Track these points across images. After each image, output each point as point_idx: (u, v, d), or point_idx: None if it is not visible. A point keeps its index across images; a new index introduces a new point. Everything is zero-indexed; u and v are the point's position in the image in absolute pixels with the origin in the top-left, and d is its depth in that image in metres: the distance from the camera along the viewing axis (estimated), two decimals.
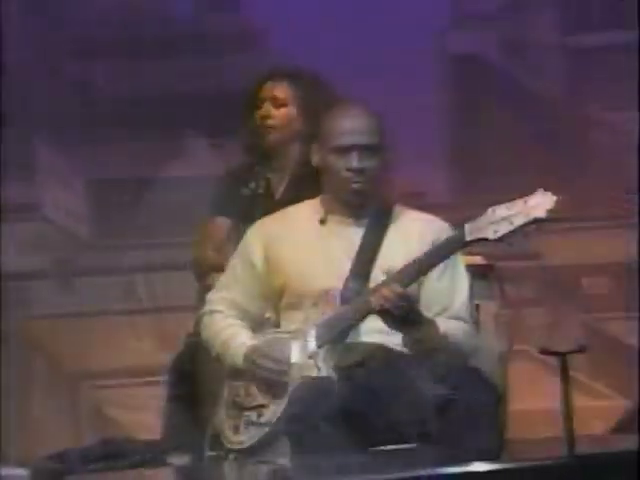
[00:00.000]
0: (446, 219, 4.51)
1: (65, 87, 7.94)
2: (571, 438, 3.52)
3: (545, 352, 4.03)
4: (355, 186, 4.10)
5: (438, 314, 4.03)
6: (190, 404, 5.17)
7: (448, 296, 4.10)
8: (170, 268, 7.30)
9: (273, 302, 4.26)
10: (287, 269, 4.17)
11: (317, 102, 5.19)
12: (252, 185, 5.39)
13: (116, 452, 5.54)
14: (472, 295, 4.22)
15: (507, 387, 4.75)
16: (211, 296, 4.45)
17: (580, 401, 5.71)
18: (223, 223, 5.45)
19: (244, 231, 4.80)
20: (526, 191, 4.00)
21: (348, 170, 4.08)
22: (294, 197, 4.91)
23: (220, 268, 4.94)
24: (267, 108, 5.30)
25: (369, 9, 7.63)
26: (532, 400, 6.78)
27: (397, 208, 4.28)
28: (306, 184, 4.89)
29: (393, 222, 4.21)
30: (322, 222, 4.15)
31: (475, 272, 4.65)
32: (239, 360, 4.13)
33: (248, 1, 8.28)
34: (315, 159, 4.32)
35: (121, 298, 7.72)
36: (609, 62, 7.91)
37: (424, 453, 3.95)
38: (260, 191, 5.36)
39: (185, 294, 5.96)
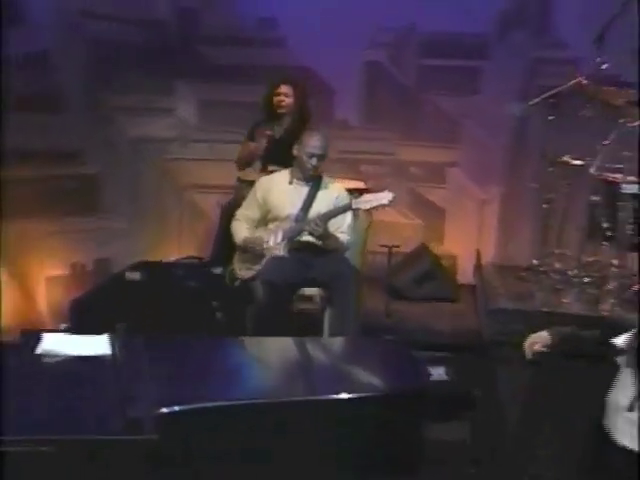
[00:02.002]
0: None
1: None
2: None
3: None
4: (310, 169, 7.12)
5: (335, 231, 7.06)
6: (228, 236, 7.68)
7: (341, 224, 7.07)
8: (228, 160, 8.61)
9: (264, 217, 7.28)
10: (272, 204, 7.23)
11: (303, 97, 8.12)
12: (268, 130, 8.02)
13: None
14: (352, 219, 7.21)
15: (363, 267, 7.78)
16: (238, 211, 7.47)
17: None
18: (252, 145, 8.11)
19: (262, 150, 7.99)
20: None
21: (308, 162, 7.12)
22: (285, 137, 7.84)
23: (246, 167, 8.21)
24: (279, 97, 8.05)
25: None
26: None
27: (326, 179, 7.35)
28: (290, 134, 7.78)
29: (323, 187, 7.25)
30: (290, 183, 7.30)
31: (356, 191, 7.63)
32: (241, 243, 7.23)
33: None
34: (295, 151, 7.24)
35: None
36: None
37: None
38: (268, 132, 7.93)
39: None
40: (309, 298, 7.09)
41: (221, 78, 9.64)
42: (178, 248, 9.27)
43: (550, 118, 8.29)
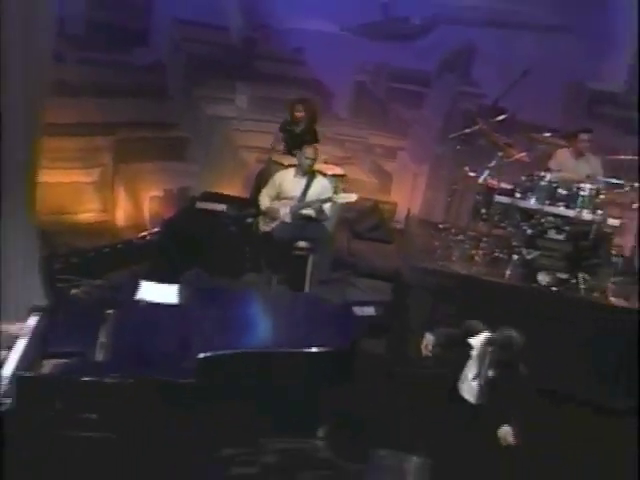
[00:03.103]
0: None
1: None
2: None
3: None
4: (306, 168, 7.36)
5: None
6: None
7: (325, 207, 7.32)
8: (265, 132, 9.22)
9: (278, 196, 7.52)
10: (283, 189, 7.50)
11: (311, 111, 8.53)
12: (291, 129, 8.48)
13: None
14: (330, 205, 7.41)
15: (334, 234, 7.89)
16: (264, 189, 7.63)
17: None
18: (277, 136, 8.65)
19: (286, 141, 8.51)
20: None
21: (305, 164, 7.35)
22: (300, 134, 8.41)
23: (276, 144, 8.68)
24: (297, 112, 8.44)
25: None
26: None
27: (317, 175, 7.56)
28: (303, 132, 8.37)
29: (314, 180, 7.49)
30: (294, 176, 7.55)
31: (336, 176, 8.24)
32: (264, 209, 7.43)
33: None
34: (297, 157, 7.51)
35: None
36: None
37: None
38: (288, 127, 8.51)
39: None
40: (301, 248, 7.45)
41: (264, 82, 9.98)
42: (229, 185, 9.45)
43: (458, 148, 8.62)
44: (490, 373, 4.88)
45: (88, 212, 8.81)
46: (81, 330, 4.71)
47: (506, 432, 4.62)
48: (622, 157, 8.08)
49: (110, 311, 4.95)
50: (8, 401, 4.17)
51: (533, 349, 4.96)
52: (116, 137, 8.98)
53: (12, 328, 4.90)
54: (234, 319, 5.17)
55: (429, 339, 5.11)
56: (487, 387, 4.85)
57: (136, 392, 4.26)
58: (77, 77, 8.12)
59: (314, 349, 4.77)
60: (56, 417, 4.19)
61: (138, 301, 5.13)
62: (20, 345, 4.66)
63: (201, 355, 4.47)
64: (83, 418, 4.19)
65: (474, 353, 4.92)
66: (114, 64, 8.80)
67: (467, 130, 8.26)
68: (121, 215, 9.17)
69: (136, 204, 9.37)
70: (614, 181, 7.79)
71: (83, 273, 7.39)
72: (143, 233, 8.63)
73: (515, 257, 7.75)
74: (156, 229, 8.61)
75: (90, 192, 8.83)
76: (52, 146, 7.22)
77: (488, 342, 4.89)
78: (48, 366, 4.33)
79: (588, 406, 6.51)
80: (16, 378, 4.29)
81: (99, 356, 4.48)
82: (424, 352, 5.10)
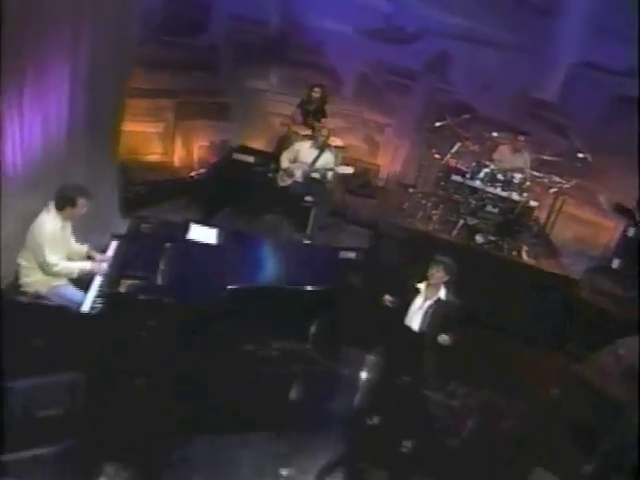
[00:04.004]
0: None
1: None
2: None
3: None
4: (320, 143, 7.19)
5: (325, 174, 7.17)
6: None
7: (328, 173, 7.18)
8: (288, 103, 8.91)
9: (295, 160, 7.34)
10: (300, 155, 7.33)
11: (324, 92, 8.40)
12: (307, 107, 8.45)
13: None
14: (332, 173, 7.25)
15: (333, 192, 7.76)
16: (284, 154, 7.39)
17: None
18: (296, 111, 8.52)
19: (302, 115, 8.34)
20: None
21: (319, 138, 7.19)
22: (315, 110, 8.35)
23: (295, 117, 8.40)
24: (313, 93, 8.30)
25: None
26: None
27: (326, 149, 7.31)
28: (317, 109, 8.32)
29: (324, 152, 7.32)
30: (310, 148, 7.37)
31: (338, 147, 8.09)
32: (283, 168, 7.23)
33: None
34: (312, 133, 7.39)
35: None
36: None
37: None
38: (305, 105, 8.43)
39: None
40: (307, 201, 7.36)
41: (292, 66, 9.72)
42: (258, 141, 9.25)
43: (429, 135, 8.63)
44: (428, 304, 4.94)
45: (154, 154, 8.73)
46: (147, 258, 4.76)
47: (444, 339, 4.77)
48: (545, 157, 8.15)
49: (168, 245, 4.97)
50: (99, 306, 4.46)
51: (468, 290, 5.02)
52: (177, 100, 8.85)
53: (98, 256, 4.96)
54: (254, 260, 5.26)
55: (387, 298, 5.09)
56: (427, 316, 4.92)
57: (184, 310, 4.49)
58: (153, 54, 8.02)
59: (309, 287, 4.99)
60: (129, 322, 4.43)
61: (188, 240, 5.17)
62: (103, 267, 4.85)
63: (230, 287, 4.73)
64: (146, 325, 4.42)
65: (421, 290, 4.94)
66: (181, 45, 8.72)
67: (437, 124, 8.26)
68: (177, 158, 8.99)
69: (188, 150, 9.14)
70: (536, 174, 7.95)
71: (148, 201, 7.62)
72: (192, 173, 8.61)
73: (461, 221, 7.92)
74: (202, 170, 8.63)
75: (156, 140, 8.74)
76: (132, 105, 7.22)
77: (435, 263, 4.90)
78: (124, 285, 4.48)
79: (502, 331, 6.59)
80: (102, 292, 4.56)
81: (159, 280, 4.58)
82: (385, 304, 5.09)
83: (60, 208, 4.44)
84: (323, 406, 5.05)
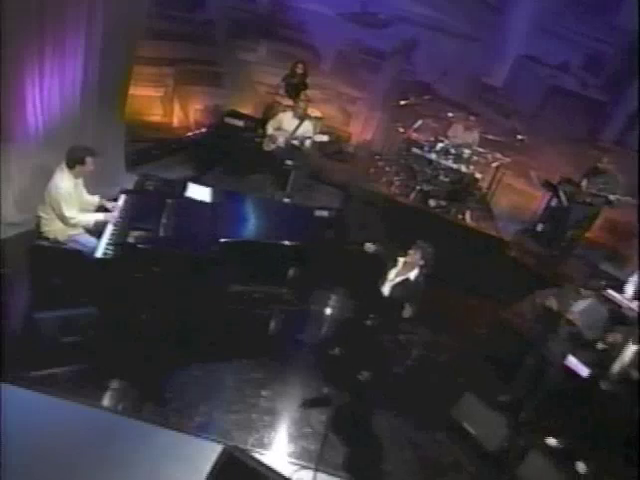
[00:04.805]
0: None
1: None
2: None
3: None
4: (300, 113, 6.75)
5: (304, 141, 6.76)
6: None
7: (306, 138, 6.77)
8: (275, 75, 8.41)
9: (279, 128, 6.98)
10: (282, 124, 6.98)
11: (306, 68, 8.15)
12: (290, 81, 8.16)
13: None
14: (311, 141, 6.84)
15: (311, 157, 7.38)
16: (270, 122, 7.01)
17: None
18: (279, 84, 8.11)
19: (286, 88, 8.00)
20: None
21: (299, 110, 6.81)
22: (297, 83, 8.07)
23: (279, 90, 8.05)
24: (296, 70, 8.09)
25: None
26: None
27: (305, 119, 6.94)
28: (299, 83, 8.04)
29: (304, 122, 6.97)
30: (292, 117, 7.00)
31: (316, 118, 7.83)
32: (269, 134, 6.84)
33: None
34: (293, 105, 7.01)
35: None
36: None
37: None
38: (289, 79, 8.15)
39: None
40: (288, 165, 7.05)
41: (278, 41, 9.40)
42: (246, 107, 8.98)
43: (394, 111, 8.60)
44: (399, 279, 4.86)
45: (155, 115, 8.50)
46: (151, 213, 4.71)
47: (407, 311, 4.80)
48: (490, 137, 8.17)
49: (169, 201, 4.90)
50: (110, 252, 4.46)
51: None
52: (177, 68, 8.59)
53: (109, 204, 4.91)
54: (242, 216, 5.21)
55: (369, 246, 4.99)
56: (394, 289, 4.84)
57: (183, 258, 4.46)
58: (157, 27, 7.71)
59: (287, 242, 4.96)
60: (136, 267, 4.44)
61: (186, 197, 5.11)
62: (115, 215, 4.82)
63: (222, 240, 4.67)
64: (151, 270, 4.41)
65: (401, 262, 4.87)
66: (182, 19, 8.44)
67: (402, 102, 8.24)
68: (176, 119, 8.76)
69: (185, 113, 8.89)
70: (482, 150, 8.05)
71: (149, 157, 7.49)
72: (189, 133, 8.43)
73: (418, 187, 8.04)
74: (196, 131, 8.50)
75: (158, 102, 8.51)
76: (138, 71, 7.01)
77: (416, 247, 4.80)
78: (132, 236, 4.46)
79: (445, 281, 6.38)
80: (113, 241, 4.55)
81: (162, 232, 4.55)
82: (365, 250, 4.96)
83: (71, 167, 4.43)
84: (295, 339, 5.13)
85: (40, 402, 3.70)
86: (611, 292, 5.62)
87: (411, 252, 4.72)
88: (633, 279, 5.82)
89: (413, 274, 4.83)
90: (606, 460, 4.44)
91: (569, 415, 4.60)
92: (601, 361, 4.73)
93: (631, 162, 7.51)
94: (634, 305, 5.55)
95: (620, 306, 5.58)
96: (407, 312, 4.72)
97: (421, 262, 4.74)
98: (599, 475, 4.36)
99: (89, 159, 4.44)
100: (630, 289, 5.80)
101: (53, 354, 4.02)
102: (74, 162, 4.43)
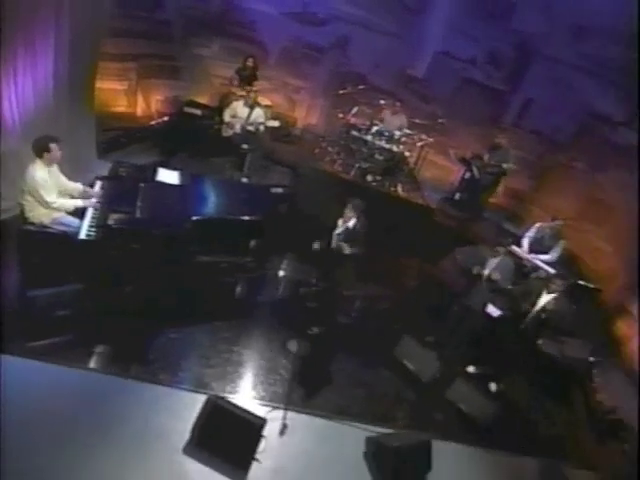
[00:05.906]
0: None
1: None
2: None
3: None
4: (250, 102, 6.68)
5: (258, 126, 6.76)
6: None
7: (261, 125, 6.74)
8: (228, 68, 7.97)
9: (234, 116, 6.87)
10: (236, 112, 6.80)
11: (256, 62, 7.77)
12: (242, 73, 7.82)
13: None
14: (264, 126, 6.81)
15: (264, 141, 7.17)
16: (226, 110, 6.80)
17: None
18: (233, 77, 7.78)
19: (238, 80, 7.58)
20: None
21: (249, 100, 6.71)
22: (248, 75, 7.71)
23: (233, 82, 7.58)
24: (247, 62, 7.71)
25: None
26: None
27: (256, 106, 6.83)
28: (250, 75, 7.70)
29: (255, 109, 6.83)
30: (244, 106, 6.88)
31: (267, 107, 7.56)
32: (226, 121, 6.69)
33: None
34: (245, 95, 6.83)
35: None
36: None
37: None
38: (241, 71, 7.81)
39: None
40: (244, 149, 6.91)
41: (230, 38, 8.89)
42: (203, 98, 8.47)
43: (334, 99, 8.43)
44: (340, 229, 5.15)
45: (121, 106, 8.04)
46: (127, 196, 4.53)
47: (347, 249, 5.01)
48: (416, 120, 8.22)
49: (142, 185, 4.72)
50: (93, 234, 4.30)
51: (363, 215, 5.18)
52: (139, 63, 8.09)
53: (90, 190, 4.73)
54: (206, 196, 5.09)
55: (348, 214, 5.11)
56: (339, 236, 5.12)
57: (159, 236, 4.39)
58: (120, 26, 7.28)
59: (248, 217, 4.87)
60: (115, 246, 4.32)
61: (157, 181, 4.93)
62: (93, 201, 4.64)
63: (193, 217, 4.58)
64: (130, 247, 4.31)
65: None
66: (142, 19, 7.96)
67: (341, 91, 8.18)
68: (139, 110, 8.29)
69: (148, 104, 8.40)
70: (409, 132, 8.08)
71: (118, 144, 7.14)
72: (152, 122, 7.86)
73: (357, 165, 8.03)
74: (159, 120, 8.05)
75: (122, 95, 8.05)
76: (103, 67, 6.71)
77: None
78: (112, 218, 4.32)
79: (382, 244, 6.21)
80: (95, 223, 4.40)
81: (138, 214, 4.41)
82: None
83: (40, 155, 4.20)
84: (257, 300, 5.12)
85: (37, 369, 3.63)
86: (514, 248, 5.93)
87: (347, 210, 5.02)
88: (528, 234, 6.09)
89: (351, 223, 5.12)
90: (512, 381, 4.83)
91: (485, 349, 4.89)
92: (513, 306, 5.06)
93: (520, 138, 7.97)
94: (530, 257, 5.93)
95: (521, 258, 5.94)
96: (347, 250, 4.95)
97: (354, 213, 5.00)
98: (506, 392, 4.74)
99: (53, 145, 4.20)
100: (525, 243, 6.14)
101: (47, 327, 3.94)
102: (40, 150, 4.19)
